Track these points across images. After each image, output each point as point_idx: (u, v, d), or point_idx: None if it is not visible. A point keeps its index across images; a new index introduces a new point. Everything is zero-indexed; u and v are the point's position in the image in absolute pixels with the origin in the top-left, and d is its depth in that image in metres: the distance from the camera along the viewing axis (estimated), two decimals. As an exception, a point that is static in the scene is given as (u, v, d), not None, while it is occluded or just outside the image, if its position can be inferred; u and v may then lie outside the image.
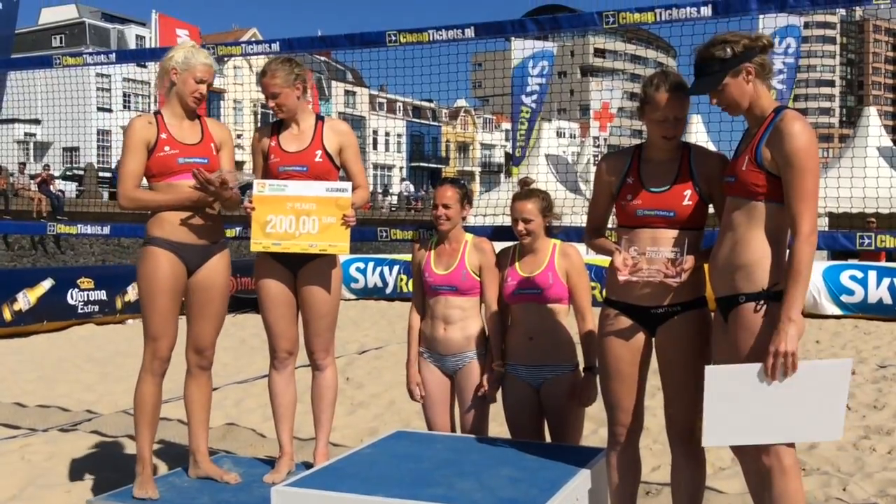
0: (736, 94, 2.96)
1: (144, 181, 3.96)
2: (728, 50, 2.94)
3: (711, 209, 3.26)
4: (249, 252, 4.07)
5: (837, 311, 13.53)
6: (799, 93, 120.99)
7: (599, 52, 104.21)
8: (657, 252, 3.12)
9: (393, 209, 40.97)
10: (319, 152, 3.95)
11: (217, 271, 3.98)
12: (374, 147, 62.83)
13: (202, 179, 3.72)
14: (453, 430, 4.21)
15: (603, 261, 3.30)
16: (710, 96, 3.01)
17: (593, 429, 6.03)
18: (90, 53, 5.54)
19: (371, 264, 17.29)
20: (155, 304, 3.85)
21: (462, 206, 4.06)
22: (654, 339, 3.28)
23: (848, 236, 3.76)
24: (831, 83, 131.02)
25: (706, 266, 3.22)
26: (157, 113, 3.96)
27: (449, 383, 4.17)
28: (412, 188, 45.95)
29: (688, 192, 3.16)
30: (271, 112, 4.01)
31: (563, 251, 3.92)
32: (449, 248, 4.09)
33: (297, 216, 3.84)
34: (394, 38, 4.51)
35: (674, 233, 3.16)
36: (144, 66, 30.04)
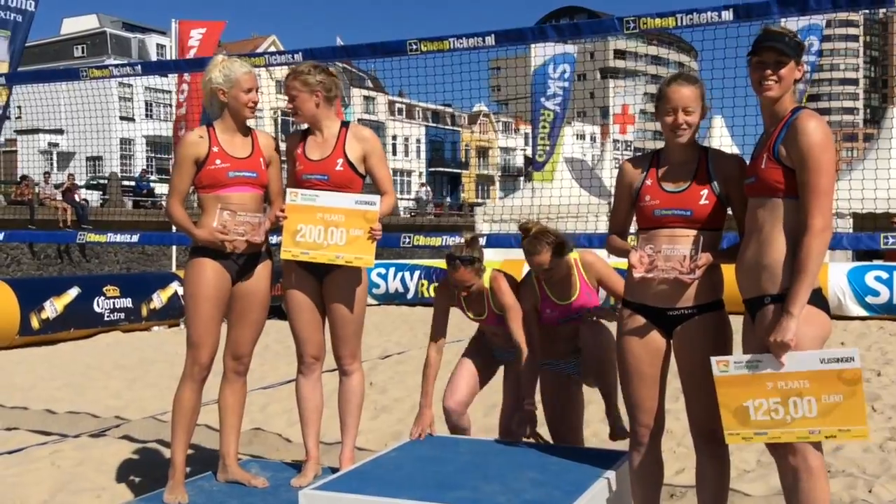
0: (787, 79, 3.00)
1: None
2: (796, 40, 3.01)
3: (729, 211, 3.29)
4: (278, 260, 4.13)
5: (862, 313, 13.43)
6: (822, 91, 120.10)
7: (619, 54, 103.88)
8: (672, 250, 3.17)
9: (413, 214, 41.03)
10: (341, 160, 3.99)
11: (258, 280, 4.06)
12: (394, 153, 62.90)
13: (225, 237, 3.87)
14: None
15: (623, 264, 3.32)
16: (767, 63, 2.98)
17: (617, 432, 6.04)
18: (116, 65, 5.62)
19: (392, 270, 17.34)
20: (198, 311, 3.94)
21: (479, 275, 4.12)
22: (671, 341, 3.31)
23: (872, 237, 3.76)
24: (855, 82, 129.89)
25: (724, 268, 3.24)
26: (209, 126, 4.03)
27: (476, 370, 4.32)
28: (430, 192, 46.01)
29: (704, 192, 3.20)
30: (290, 120, 4.08)
31: (586, 265, 3.98)
32: (476, 295, 4.19)
33: (325, 227, 3.90)
34: (415, 46, 4.54)
35: (691, 232, 3.19)
36: (166, 76, 30.29)
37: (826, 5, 3.72)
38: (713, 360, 3.00)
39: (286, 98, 4.03)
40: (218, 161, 3.91)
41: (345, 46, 5.06)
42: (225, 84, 3.92)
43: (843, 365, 2.79)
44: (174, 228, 4.48)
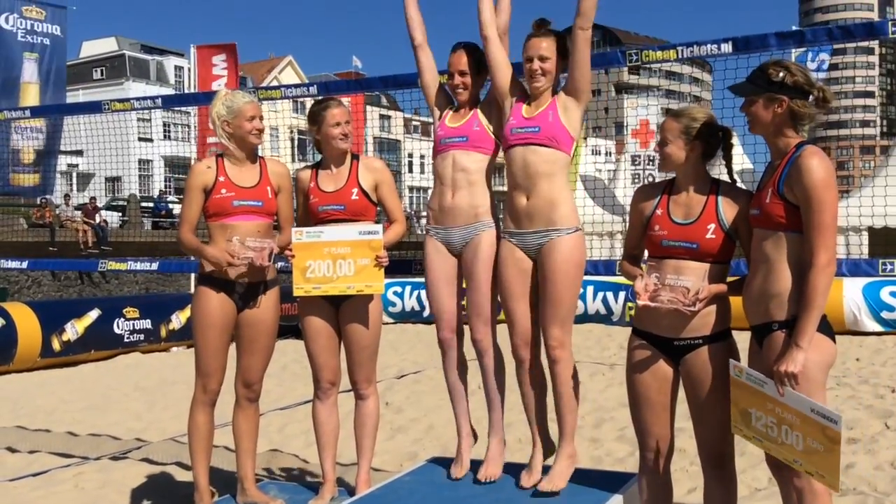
0: (760, 116, 3.08)
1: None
2: (780, 75, 3.03)
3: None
4: (284, 283, 4.25)
5: (878, 328, 13.36)
6: (837, 105, 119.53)
7: (634, 70, 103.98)
8: (676, 280, 3.23)
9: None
10: (355, 190, 4.14)
11: (265, 308, 4.18)
12: (410, 170, 63.15)
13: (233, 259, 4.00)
14: (460, 313, 4.01)
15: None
16: (742, 103, 3.13)
17: (630, 451, 6.09)
18: (137, 99, 5.79)
19: (408, 288, 17.41)
20: (205, 339, 4.06)
21: (478, 75, 3.96)
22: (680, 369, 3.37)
23: (870, 262, 3.82)
24: (871, 94, 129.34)
25: (731, 299, 3.31)
26: (219, 155, 4.18)
27: (456, 263, 3.96)
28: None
29: (711, 226, 3.25)
30: (307, 139, 4.21)
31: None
32: (466, 109, 3.98)
33: (333, 260, 4.02)
34: (426, 78, 4.63)
35: (697, 264, 3.25)
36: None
37: (822, 38, 3.81)
38: (732, 362, 3.14)
39: (334, 123, 4.09)
40: (223, 190, 4.06)
41: (358, 80, 5.19)
42: (228, 115, 4.07)
43: (827, 423, 2.88)
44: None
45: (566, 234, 3.67)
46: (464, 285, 3.94)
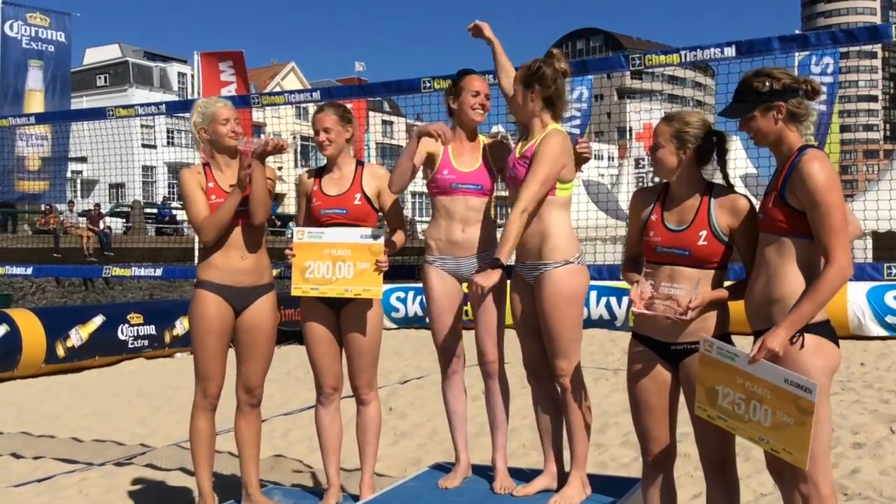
0: (763, 128, 3.07)
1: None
2: (767, 84, 3.03)
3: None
4: (286, 285, 4.26)
5: (883, 332, 13.32)
6: (841, 108, 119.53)
7: (636, 74, 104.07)
8: (670, 288, 3.23)
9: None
10: (358, 195, 4.14)
11: (262, 312, 4.18)
12: (412, 175, 63.13)
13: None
14: (462, 340, 4.13)
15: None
16: (739, 123, 3.13)
17: (634, 456, 6.09)
18: (142, 105, 5.82)
19: (411, 293, 17.41)
20: (203, 344, 4.08)
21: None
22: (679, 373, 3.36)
23: (875, 267, 3.82)
24: (874, 98, 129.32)
25: (730, 304, 3.30)
26: (205, 165, 4.19)
27: (461, 291, 4.08)
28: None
29: (703, 233, 3.24)
30: (310, 146, 4.22)
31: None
32: (469, 146, 4.09)
33: (333, 262, 4.04)
34: (428, 84, 4.66)
35: (692, 271, 3.24)
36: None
37: (826, 41, 3.82)
38: (702, 336, 3.12)
39: (308, 124, 4.16)
40: (213, 197, 4.09)
41: (361, 86, 5.21)
42: (203, 121, 4.10)
43: (801, 392, 2.84)
44: (196, 260, 4.59)
45: (554, 268, 3.72)
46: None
